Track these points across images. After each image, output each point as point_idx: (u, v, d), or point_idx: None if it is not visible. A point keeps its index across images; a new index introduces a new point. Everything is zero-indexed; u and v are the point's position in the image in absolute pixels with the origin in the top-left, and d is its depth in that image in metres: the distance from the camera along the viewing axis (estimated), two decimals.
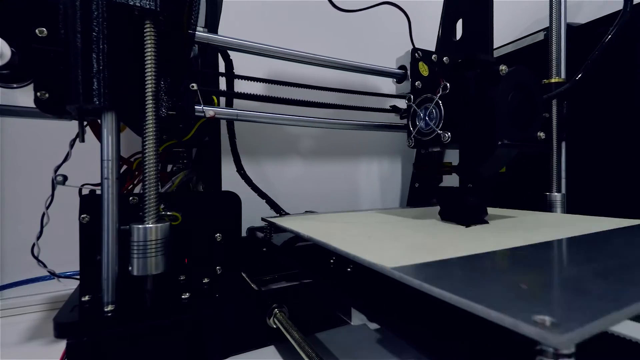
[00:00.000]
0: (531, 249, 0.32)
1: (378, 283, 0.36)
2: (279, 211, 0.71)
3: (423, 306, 0.30)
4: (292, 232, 0.48)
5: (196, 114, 0.48)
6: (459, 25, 0.54)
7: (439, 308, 0.25)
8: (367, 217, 0.56)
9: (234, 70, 0.61)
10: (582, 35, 0.65)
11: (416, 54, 0.67)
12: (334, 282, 0.40)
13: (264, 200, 0.70)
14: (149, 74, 0.38)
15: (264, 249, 0.57)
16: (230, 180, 0.63)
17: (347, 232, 0.43)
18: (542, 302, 0.19)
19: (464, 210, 0.47)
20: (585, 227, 0.43)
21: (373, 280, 0.37)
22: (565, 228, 0.43)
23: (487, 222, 0.47)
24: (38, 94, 0.38)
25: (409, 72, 0.72)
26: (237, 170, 0.66)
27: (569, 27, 0.65)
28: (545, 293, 0.21)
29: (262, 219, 0.59)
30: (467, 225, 0.45)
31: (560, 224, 0.47)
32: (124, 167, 0.48)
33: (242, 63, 0.64)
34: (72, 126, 0.45)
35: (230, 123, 0.65)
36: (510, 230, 0.42)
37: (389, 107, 0.78)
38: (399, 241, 0.36)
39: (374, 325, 0.49)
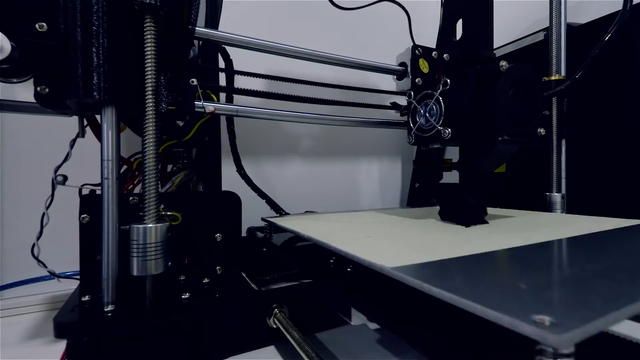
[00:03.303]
0: (531, 248, 0.32)
1: (377, 283, 0.36)
2: (279, 211, 0.71)
3: (422, 306, 0.31)
4: (292, 232, 0.47)
5: (196, 109, 0.48)
6: (459, 25, 0.54)
7: (439, 308, 0.25)
8: (366, 217, 0.56)
9: (233, 67, 0.61)
10: (582, 35, 0.65)
11: (417, 51, 0.67)
12: (334, 282, 0.40)
13: (264, 200, 0.70)
14: (149, 68, 0.38)
15: (264, 249, 0.57)
16: (230, 180, 0.63)
17: (346, 232, 0.42)
18: (542, 302, 0.19)
19: (463, 210, 0.47)
20: (585, 227, 0.43)
21: (372, 281, 0.37)
22: (565, 228, 0.43)
23: (487, 222, 0.47)
24: (38, 88, 0.38)
25: (409, 69, 0.72)
26: (237, 170, 0.67)
27: (569, 27, 0.65)
28: (545, 293, 0.21)
29: (262, 219, 0.59)
30: (467, 225, 0.45)
31: (560, 223, 0.47)
32: (124, 167, 0.48)
33: (241, 62, 0.64)
34: (72, 126, 0.45)
35: (230, 123, 0.65)
36: (510, 230, 0.42)
37: (389, 104, 0.78)
38: (398, 241, 0.36)
39: (374, 325, 0.49)
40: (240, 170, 0.67)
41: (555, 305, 0.18)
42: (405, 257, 0.28)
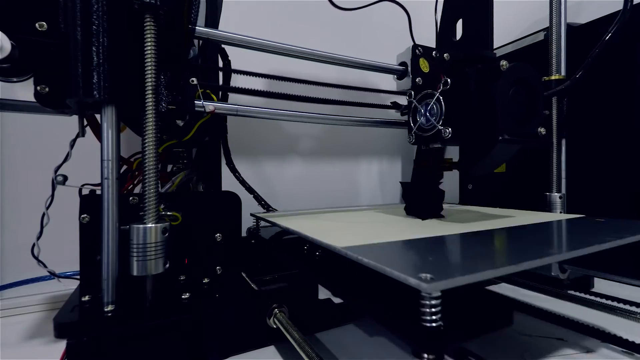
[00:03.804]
0: (459, 236, 0.39)
1: (340, 265, 0.44)
2: (266, 207, 0.71)
3: (373, 281, 0.39)
4: (274, 225, 0.53)
5: (196, 109, 0.48)
6: (459, 25, 0.54)
7: (385, 281, 0.30)
8: (346, 214, 0.61)
9: (231, 67, 0.61)
10: (582, 35, 0.65)
11: (417, 50, 0.67)
12: (308, 265, 0.48)
13: (252, 196, 0.70)
14: (149, 68, 0.38)
15: (252, 241, 0.61)
16: (230, 180, 0.63)
17: (320, 225, 0.48)
18: (433, 266, 0.26)
19: (420, 206, 0.54)
20: (530, 220, 0.49)
21: (336, 263, 0.45)
22: (511, 221, 0.49)
23: (443, 217, 0.53)
24: (38, 87, 0.38)
25: (409, 68, 0.72)
26: (226, 164, 0.66)
27: (569, 27, 0.65)
28: (440, 261, 0.28)
29: (252, 214, 0.62)
30: (423, 219, 0.51)
31: (513, 218, 0.51)
32: (124, 167, 0.48)
33: (242, 62, 0.64)
34: (72, 126, 0.45)
35: (222, 118, 0.65)
36: (458, 223, 0.48)
37: (389, 104, 0.78)
38: (358, 230, 0.43)
39: (337, 300, 0.52)
40: (230, 164, 0.67)
41: (441, 268, 0.25)
42: (355, 241, 0.34)
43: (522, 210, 0.62)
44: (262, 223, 0.63)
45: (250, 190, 0.69)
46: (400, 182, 0.64)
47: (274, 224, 0.54)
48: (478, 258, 0.30)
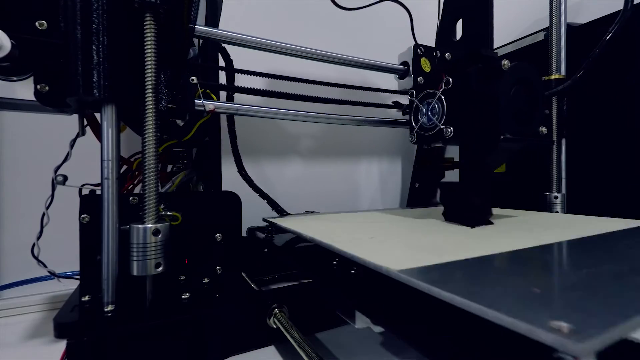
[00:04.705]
0: (541, 250, 0.31)
1: (382, 285, 0.35)
2: (280, 211, 0.71)
3: (430, 309, 0.29)
4: (293, 233, 0.47)
5: (196, 108, 0.48)
6: (459, 25, 0.54)
7: (445, 311, 0.23)
8: (368, 217, 0.56)
9: (233, 66, 0.61)
10: (582, 35, 0.65)
11: (419, 50, 0.67)
12: (337, 284, 0.40)
13: (265, 201, 0.70)
14: (149, 66, 0.38)
15: (265, 250, 0.56)
16: (230, 180, 0.62)
17: (349, 233, 0.42)
18: (557, 307, 0.18)
19: (468, 211, 0.46)
20: (593, 227, 0.42)
21: (378, 283, 0.36)
22: (572, 229, 0.42)
23: (492, 223, 0.46)
24: (38, 86, 0.38)
25: (411, 68, 0.72)
26: (238, 171, 0.66)
27: (569, 27, 0.65)
28: (560, 297, 0.20)
29: (264, 219, 0.59)
30: (472, 226, 0.44)
31: (566, 224, 0.46)
32: (124, 167, 0.48)
33: (242, 61, 0.64)
34: (72, 126, 0.45)
35: (230, 123, 0.65)
36: (516, 230, 0.41)
37: (390, 103, 0.78)
38: (402, 243, 0.35)
39: (377, 328, 0.48)
40: (242, 170, 0.67)
41: (572, 311, 0.17)
42: (410, 259, 0.27)
43: (579, 215, 0.54)
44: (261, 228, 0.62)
45: (263, 195, 0.69)
46: (440, 183, 0.57)
47: (293, 232, 0.47)
48: (615, 284, 0.21)
